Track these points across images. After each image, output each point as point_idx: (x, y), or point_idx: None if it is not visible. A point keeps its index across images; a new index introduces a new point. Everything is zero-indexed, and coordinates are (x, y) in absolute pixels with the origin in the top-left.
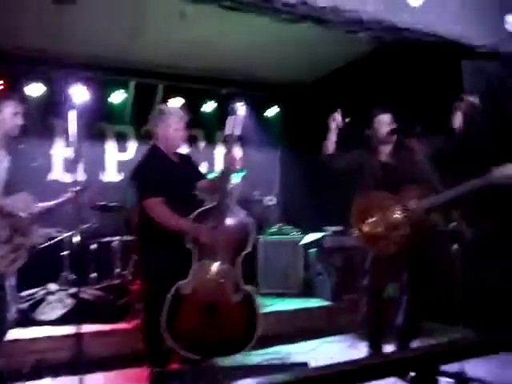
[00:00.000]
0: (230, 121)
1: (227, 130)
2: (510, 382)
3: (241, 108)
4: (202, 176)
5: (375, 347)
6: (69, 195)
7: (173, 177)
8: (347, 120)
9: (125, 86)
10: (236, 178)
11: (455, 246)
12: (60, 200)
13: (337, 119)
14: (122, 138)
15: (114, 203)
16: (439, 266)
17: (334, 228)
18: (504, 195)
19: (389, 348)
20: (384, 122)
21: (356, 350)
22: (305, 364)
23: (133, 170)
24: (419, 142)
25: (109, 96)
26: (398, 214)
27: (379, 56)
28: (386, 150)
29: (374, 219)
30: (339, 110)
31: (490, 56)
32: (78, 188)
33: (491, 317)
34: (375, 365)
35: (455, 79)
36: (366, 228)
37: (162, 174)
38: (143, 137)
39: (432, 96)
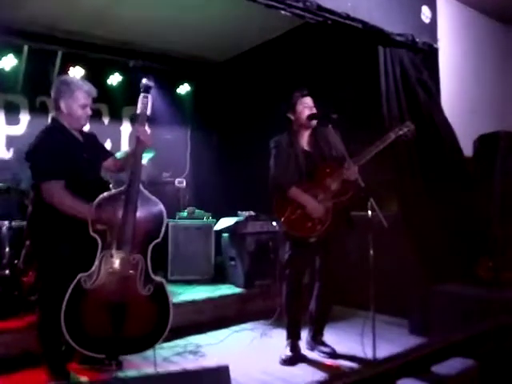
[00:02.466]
0: (141, 98)
1: (138, 108)
2: None
3: (152, 84)
4: (110, 156)
5: (294, 334)
6: None
7: (77, 157)
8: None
9: (17, 51)
10: (144, 159)
11: (369, 233)
12: None
13: None
14: (12, 109)
15: (4, 183)
16: (352, 253)
17: (247, 213)
18: None
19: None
20: (308, 105)
21: (269, 338)
22: (226, 368)
23: (29, 147)
24: (335, 128)
25: None
26: (317, 197)
27: (296, 36)
28: (305, 136)
29: (294, 205)
30: None
31: (406, 45)
32: None
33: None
34: None
35: (371, 65)
36: (286, 214)
37: (64, 154)
38: (38, 109)
39: (348, 80)
